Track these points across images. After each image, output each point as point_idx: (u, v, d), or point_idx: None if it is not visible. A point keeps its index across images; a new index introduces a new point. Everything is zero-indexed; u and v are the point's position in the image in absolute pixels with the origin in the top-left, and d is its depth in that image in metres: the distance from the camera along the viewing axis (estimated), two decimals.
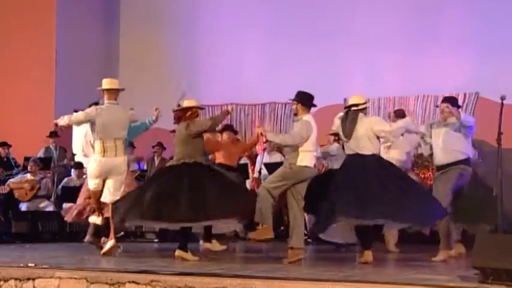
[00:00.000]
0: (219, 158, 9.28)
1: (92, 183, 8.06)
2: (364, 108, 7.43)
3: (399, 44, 12.19)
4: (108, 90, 8.02)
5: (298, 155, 7.14)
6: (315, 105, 7.50)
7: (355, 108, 7.36)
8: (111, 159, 7.86)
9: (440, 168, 7.69)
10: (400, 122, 7.71)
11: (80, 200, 8.75)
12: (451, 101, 7.87)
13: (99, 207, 8.08)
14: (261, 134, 7.48)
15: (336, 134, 9.66)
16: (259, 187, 7.29)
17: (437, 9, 12.09)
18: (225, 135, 9.67)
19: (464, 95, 11.73)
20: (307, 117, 7.32)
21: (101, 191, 8.01)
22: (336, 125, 7.68)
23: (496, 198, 7.82)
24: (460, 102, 11.56)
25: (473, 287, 5.07)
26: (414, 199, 7.03)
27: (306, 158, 7.16)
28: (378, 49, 12.26)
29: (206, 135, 8.23)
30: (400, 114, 9.16)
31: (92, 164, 8.03)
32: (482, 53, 11.52)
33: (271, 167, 9.83)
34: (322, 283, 5.34)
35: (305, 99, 7.41)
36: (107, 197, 7.96)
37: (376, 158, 7.30)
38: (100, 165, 7.90)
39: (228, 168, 8.72)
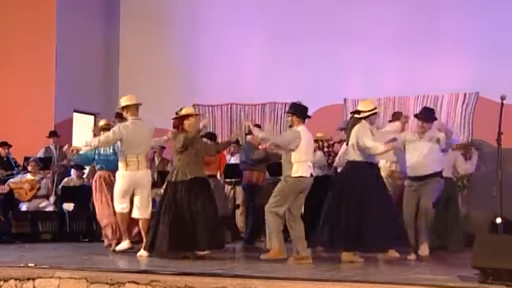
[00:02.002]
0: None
1: (119, 207, 8.13)
2: (368, 116, 7.45)
3: (399, 44, 12.19)
4: (130, 106, 8.14)
5: (292, 166, 7.21)
6: (309, 117, 7.55)
7: (357, 115, 7.43)
8: (133, 172, 8.01)
9: (416, 179, 7.86)
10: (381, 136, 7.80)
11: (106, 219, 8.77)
12: (431, 116, 8.08)
13: (128, 231, 8.21)
14: (249, 126, 7.59)
15: (316, 141, 9.75)
16: (265, 212, 7.34)
17: (437, 9, 12.08)
18: None
19: (464, 95, 11.73)
20: (300, 127, 7.37)
21: (129, 213, 8.14)
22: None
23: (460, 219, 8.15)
24: (460, 102, 11.72)
25: (473, 287, 5.08)
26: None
27: (301, 168, 7.23)
28: (378, 49, 12.25)
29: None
30: (397, 117, 9.15)
31: (118, 180, 8.13)
32: (482, 53, 11.51)
33: (271, 167, 9.83)
34: (322, 283, 5.34)
35: (299, 111, 7.44)
36: (136, 213, 8.12)
37: (366, 168, 7.39)
38: (125, 179, 8.05)
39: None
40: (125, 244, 8.18)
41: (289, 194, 7.24)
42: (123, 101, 8.24)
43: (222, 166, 11.17)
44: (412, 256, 7.71)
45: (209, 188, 7.84)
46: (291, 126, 7.46)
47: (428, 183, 7.85)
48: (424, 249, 7.73)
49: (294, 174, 7.20)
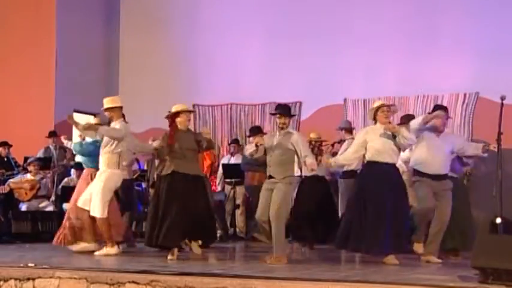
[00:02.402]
0: None
1: (107, 210, 7.97)
2: (374, 116, 7.52)
3: (399, 44, 12.18)
4: (115, 108, 8.12)
5: (293, 166, 7.34)
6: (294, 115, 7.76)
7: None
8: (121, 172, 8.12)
9: (434, 177, 7.74)
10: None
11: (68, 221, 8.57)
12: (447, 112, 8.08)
13: (112, 236, 8.10)
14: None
15: (309, 141, 9.79)
16: (276, 219, 7.25)
17: (437, 9, 12.07)
18: None
19: (464, 95, 11.73)
20: (294, 130, 7.65)
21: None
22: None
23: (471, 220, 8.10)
24: (460, 102, 11.72)
25: (473, 287, 5.08)
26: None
27: (295, 167, 7.44)
28: (378, 49, 12.25)
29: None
30: (408, 119, 8.95)
31: (115, 178, 8.04)
32: (482, 53, 11.50)
33: None
34: (322, 283, 5.34)
35: (289, 111, 7.59)
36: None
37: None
38: (120, 178, 8.09)
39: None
40: (113, 250, 8.00)
41: (291, 194, 7.35)
42: (108, 103, 8.11)
43: (206, 167, 11.12)
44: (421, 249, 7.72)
45: (190, 185, 7.68)
46: (282, 129, 7.45)
47: (446, 190, 7.75)
48: (435, 260, 7.62)
49: (296, 174, 7.31)
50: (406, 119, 8.85)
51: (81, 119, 13.81)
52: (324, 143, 9.99)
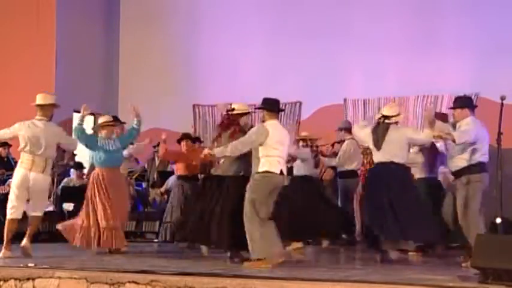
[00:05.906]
0: (180, 169, 9.32)
1: None
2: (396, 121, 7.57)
3: (399, 44, 12.19)
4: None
5: (259, 162, 6.89)
6: (282, 110, 7.59)
7: (387, 121, 7.51)
8: None
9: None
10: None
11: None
12: None
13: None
14: (209, 155, 7.27)
15: (304, 139, 9.75)
16: (245, 223, 6.84)
17: (437, 10, 12.09)
18: (183, 145, 9.52)
19: (464, 95, 11.72)
20: (270, 122, 7.15)
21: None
22: (362, 134, 7.77)
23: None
24: None
25: (473, 287, 5.08)
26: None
27: (267, 163, 6.87)
28: (378, 49, 12.26)
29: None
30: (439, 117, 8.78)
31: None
32: (482, 53, 11.52)
33: None
34: (322, 283, 5.34)
35: (269, 105, 7.37)
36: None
37: (402, 170, 7.46)
38: None
39: (189, 178, 8.78)
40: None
41: (261, 191, 6.85)
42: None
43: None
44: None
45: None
46: (263, 121, 7.23)
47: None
48: None
49: (260, 169, 6.86)
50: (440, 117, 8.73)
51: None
52: (320, 143, 9.99)
